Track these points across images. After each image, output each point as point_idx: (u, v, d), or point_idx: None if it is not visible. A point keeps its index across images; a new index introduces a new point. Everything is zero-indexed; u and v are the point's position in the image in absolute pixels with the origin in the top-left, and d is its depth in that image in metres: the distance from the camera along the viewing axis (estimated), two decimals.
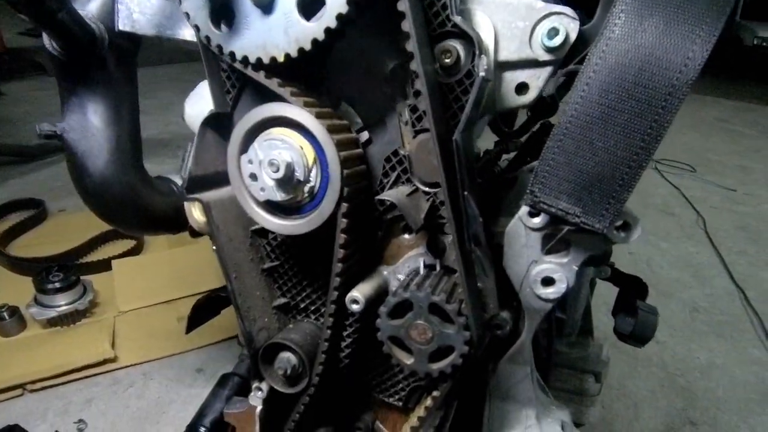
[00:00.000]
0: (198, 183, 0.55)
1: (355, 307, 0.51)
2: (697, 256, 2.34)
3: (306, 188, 0.49)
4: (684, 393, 1.53)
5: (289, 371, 0.57)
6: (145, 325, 1.47)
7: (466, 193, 0.42)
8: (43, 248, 1.72)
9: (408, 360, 0.50)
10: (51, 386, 1.26)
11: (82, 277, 1.46)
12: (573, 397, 0.85)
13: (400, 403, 0.63)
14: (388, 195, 0.47)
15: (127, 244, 1.78)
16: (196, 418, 0.96)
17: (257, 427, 0.62)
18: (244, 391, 0.96)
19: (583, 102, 0.41)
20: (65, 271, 1.39)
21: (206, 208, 0.55)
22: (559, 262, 0.47)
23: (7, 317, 1.34)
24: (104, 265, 1.64)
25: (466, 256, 0.46)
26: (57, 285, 1.35)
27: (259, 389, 0.61)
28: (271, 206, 0.52)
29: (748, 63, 6.25)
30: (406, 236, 0.56)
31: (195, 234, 0.87)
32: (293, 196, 0.50)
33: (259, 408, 0.61)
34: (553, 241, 0.45)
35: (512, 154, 0.87)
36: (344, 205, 0.48)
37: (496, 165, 0.83)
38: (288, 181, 0.48)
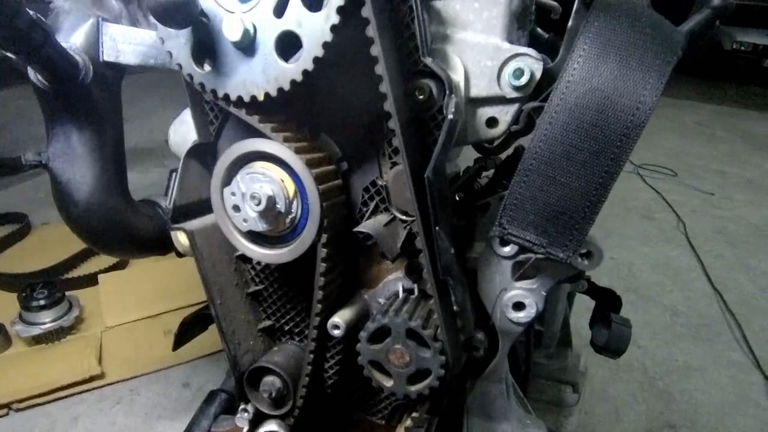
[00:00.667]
0: (182, 212, 0.56)
1: (336, 332, 0.53)
2: (677, 260, 2.41)
3: (287, 219, 0.51)
4: (663, 396, 1.58)
5: (273, 394, 0.59)
6: (132, 339, 1.47)
7: (437, 228, 0.45)
8: (28, 263, 1.70)
9: (387, 383, 0.52)
10: (37, 405, 1.25)
11: (67, 293, 1.46)
12: (551, 408, 0.88)
13: (383, 422, 0.65)
14: (365, 227, 0.49)
15: (113, 258, 1.77)
16: None
17: None
18: (231, 408, 0.97)
19: (546, 140, 0.43)
20: (50, 288, 1.39)
21: (190, 237, 0.57)
22: (528, 288, 0.50)
23: None
24: (90, 280, 1.63)
25: (440, 285, 0.49)
26: (42, 302, 1.34)
27: (246, 411, 0.62)
28: (254, 236, 0.54)
29: (727, 67, 6.42)
30: (386, 260, 0.58)
31: (181, 255, 0.88)
32: (275, 227, 0.52)
33: (245, 429, 0.63)
34: (522, 269, 0.48)
35: (491, 171, 0.89)
36: (324, 236, 0.50)
37: (476, 181, 0.86)
38: (270, 212, 0.50)
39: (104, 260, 1.76)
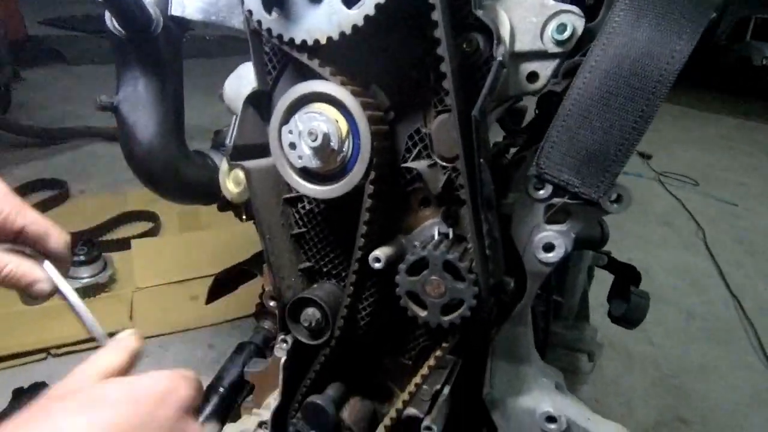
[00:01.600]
0: (240, 152, 0.62)
1: (376, 265, 0.58)
2: (694, 266, 2.40)
3: (339, 157, 0.56)
4: (676, 392, 1.59)
5: (313, 324, 0.64)
6: (161, 301, 1.54)
7: (482, 160, 0.49)
8: (66, 226, 1.78)
9: (422, 313, 0.57)
10: (73, 351, 1.33)
11: (103, 254, 1.54)
12: (566, 375, 0.90)
13: (410, 362, 0.69)
14: (413, 164, 0.54)
15: (144, 226, 1.85)
16: (215, 381, 1.02)
17: (281, 376, 0.68)
18: (259, 358, 1.02)
19: (585, 87, 0.47)
20: (88, 245, 1.47)
21: (246, 174, 0.62)
22: (559, 230, 0.54)
23: None
24: (123, 244, 1.71)
25: (478, 219, 0.53)
26: (81, 258, 1.42)
27: (285, 341, 0.67)
28: (306, 173, 0.59)
29: (755, 82, 6.32)
30: (423, 208, 0.63)
31: (223, 208, 0.94)
32: (327, 165, 0.57)
33: (283, 359, 0.68)
34: (553, 210, 0.51)
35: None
36: (372, 173, 0.55)
37: (505, 156, 0.90)
38: (323, 149, 0.55)
39: (137, 227, 1.85)
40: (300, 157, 0.57)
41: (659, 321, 1.93)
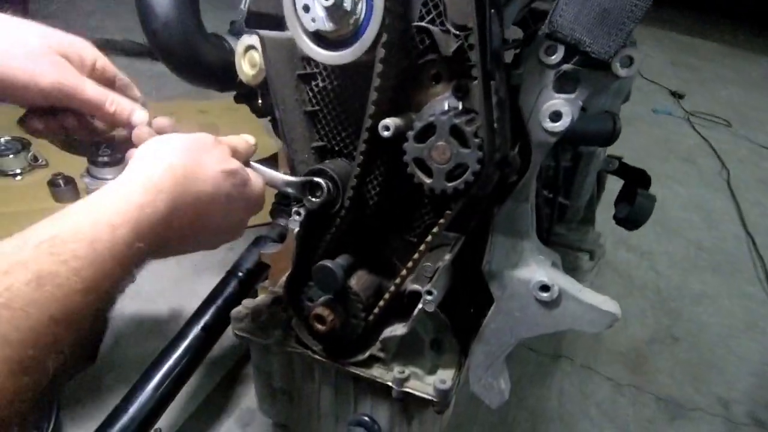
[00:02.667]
0: (255, 19, 0.62)
1: (385, 133, 0.60)
2: (712, 202, 2.37)
3: (351, 20, 0.56)
4: (672, 314, 1.64)
5: (325, 194, 0.67)
6: None
7: (492, 10, 0.49)
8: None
9: (428, 180, 0.59)
10: None
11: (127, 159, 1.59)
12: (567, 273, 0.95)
13: (415, 240, 0.73)
14: (425, 23, 0.54)
15: None
16: (234, 268, 1.10)
17: (295, 246, 0.73)
18: None
19: None
20: (112, 148, 1.51)
21: (261, 42, 0.63)
22: (566, 98, 0.54)
23: (62, 184, 1.48)
24: None
25: (488, 85, 0.54)
26: (106, 159, 1.48)
27: (298, 213, 0.71)
28: (319, 39, 0.59)
29: None
30: (435, 84, 0.63)
31: (238, 98, 0.96)
32: (340, 28, 0.57)
33: (296, 229, 0.72)
34: (562, 74, 0.52)
35: None
36: (384, 36, 0.55)
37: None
38: (337, 10, 0.55)
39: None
40: (313, 20, 0.57)
41: (666, 251, 1.95)
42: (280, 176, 0.68)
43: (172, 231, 0.47)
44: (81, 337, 0.37)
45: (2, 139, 1.60)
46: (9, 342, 0.32)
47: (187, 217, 0.49)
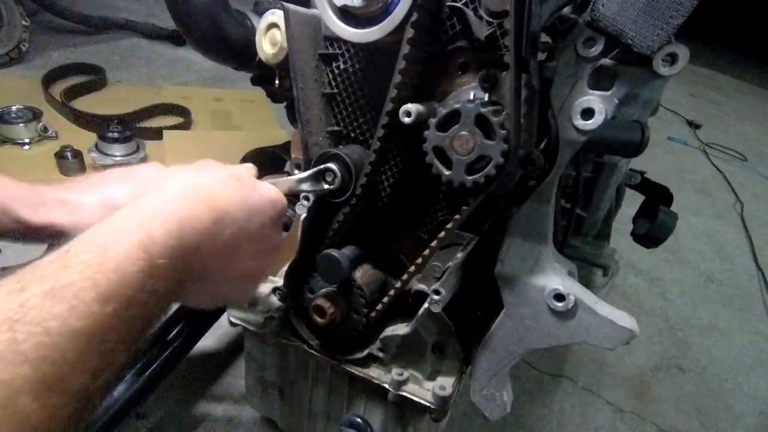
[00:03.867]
0: None
1: (406, 120, 0.57)
2: (724, 235, 2.33)
3: None
4: (679, 344, 1.59)
5: (336, 180, 0.65)
6: None
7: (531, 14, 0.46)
8: (103, 109, 1.84)
9: (447, 171, 0.56)
10: None
11: (136, 138, 1.58)
12: None
13: (426, 236, 0.70)
14: (460, 4, 0.51)
15: (176, 120, 1.88)
16: None
17: (299, 233, 0.70)
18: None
19: None
20: (122, 125, 1.50)
21: (285, 14, 0.60)
22: (602, 95, 0.51)
23: (69, 157, 1.47)
24: (155, 134, 1.75)
25: (520, 66, 0.51)
26: (115, 135, 1.47)
27: (307, 198, 0.69)
28: (346, 15, 0.57)
29: None
30: (462, 74, 0.61)
31: (256, 81, 0.94)
32: (369, 3, 0.55)
33: (303, 215, 0.69)
34: (597, 66, 0.49)
35: None
36: (414, 15, 0.53)
37: None
38: None
39: (169, 119, 1.88)
40: None
41: (677, 280, 1.90)
42: (292, 178, 0.64)
43: (191, 279, 0.42)
44: (109, 354, 0.33)
45: (14, 107, 1.59)
46: (29, 360, 0.28)
47: (211, 266, 0.45)
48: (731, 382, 1.46)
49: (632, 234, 0.88)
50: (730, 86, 5.07)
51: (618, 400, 1.33)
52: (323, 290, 0.72)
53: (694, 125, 3.65)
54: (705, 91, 4.67)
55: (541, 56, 0.63)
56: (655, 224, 0.81)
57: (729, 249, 2.22)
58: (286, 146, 1.07)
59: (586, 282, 0.90)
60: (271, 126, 1.92)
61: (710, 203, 2.63)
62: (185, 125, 1.85)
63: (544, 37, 0.85)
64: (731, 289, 1.93)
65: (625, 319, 0.61)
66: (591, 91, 0.52)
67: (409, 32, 0.54)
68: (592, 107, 0.52)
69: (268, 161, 1.13)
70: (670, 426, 1.29)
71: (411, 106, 0.57)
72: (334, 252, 0.67)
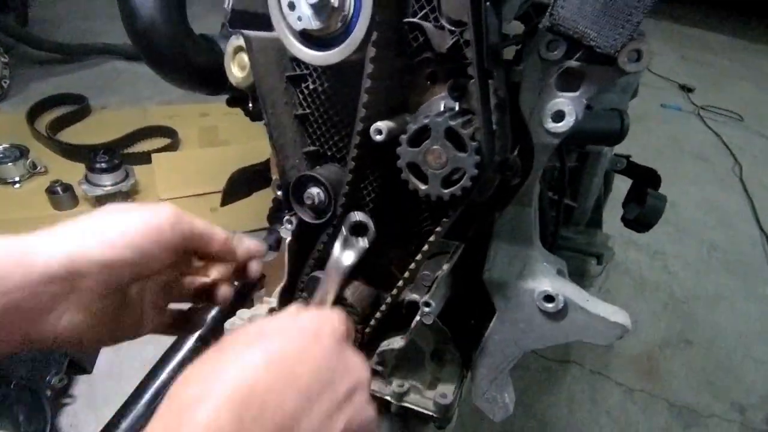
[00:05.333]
0: (239, 18, 0.59)
1: (378, 138, 0.56)
2: (725, 201, 2.31)
3: (340, 17, 0.53)
4: (685, 317, 1.59)
5: (316, 202, 0.64)
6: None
7: (489, 3, 0.45)
8: (89, 139, 1.83)
9: (423, 186, 0.56)
10: None
11: (124, 165, 1.58)
12: (574, 279, 0.91)
13: (413, 247, 0.70)
14: (418, 19, 0.50)
15: (164, 141, 1.88)
16: None
17: (286, 256, 0.70)
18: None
19: None
20: (110, 154, 1.50)
21: (247, 42, 0.60)
22: (570, 97, 0.51)
23: (60, 192, 1.47)
24: (144, 158, 1.75)
25: (485, 83, 0.50)
26: (104, 165, 1.47)
27: (290, 222, 0.68)
28: (306, 38, 0.56)
29: None
30: (431, 85, 0.60)
31: (232, 102, 0.93)
32: (327, 26, 0.54)
33: (288, 239, 0.69)
34: (564, 70, 0.48)
35: None
36: (375, 34, 0.52)
37: None
38: (324, 7, 0.52)
39: (157, 142, 1.87)
40: (299, 18, 0.54)
41: (679, 252, 1.89)
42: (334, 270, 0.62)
43: None
44: None
45: (1, 147, 1.59)
46: None
47: None
48: (740, 352, 1.46)
49: (623, 219, 0.87)
50: (721, 45, 4.99)
51: (628, 379, 1.33)
52: None
53: (686, 89, 3.61)
54: (696, 53, 4.60)
55: (508, 55, 0.62)
56: (644, 209, 0.81)
57: (730, 215, 2.20)
58: (267, 163, 1.07)
59: (581, 272, 0.90)
60: (259, 138, 1.92)
61: (709, 169, 2.60)
62: (173, 146, 1.84)
63: (519, 28, 0.84)
64: (735, 257, 1.92)
65: (618, 315, 0.61)
66: (560, 94, 0.51)
67: (371, 51, 0.53)
68: (562, 110, 0.51)
69: (253, 180, 1.12)
70: (681, 401, 1.29)
71: (381, 125, 0.56)
72: (320, 274, 0.66)
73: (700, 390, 1.33)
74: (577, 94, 0.50)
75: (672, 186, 2.35)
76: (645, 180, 0.85)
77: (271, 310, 0.86)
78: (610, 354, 1.40)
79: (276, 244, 1.12)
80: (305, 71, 0.65)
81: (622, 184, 0.99)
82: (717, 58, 4.55)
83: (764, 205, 2.27)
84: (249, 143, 1.85)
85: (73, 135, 1.93)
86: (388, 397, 0.72)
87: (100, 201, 1.52)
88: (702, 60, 4.44)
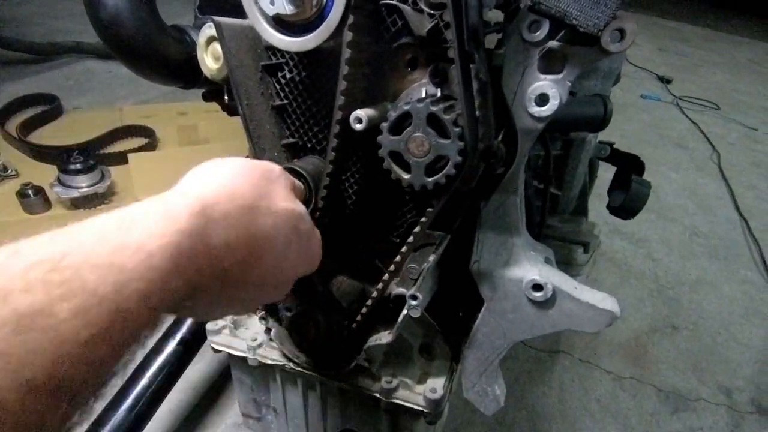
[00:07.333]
0: (209, 2, 0.56)
1: (358, 126, 0.54)
2: (705, 187, 2.35)
3: (314, 1, 0.51)
4: (671, 303, 1.61)
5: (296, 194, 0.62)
6: None
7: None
8: (62, 140, 1.77)
9: (406, 175, 0.54)
10: None
11: (100, 166, 1.52)
12: (560, 267, 0.90)
13: (398, 240, 0.68)
14: (396, 1, 0.49)
15: (141, 141, 1.82)
16: None
17: None
18: None
19: None
20: (85, 155, 1.45)
21: (218, 29, 0.57)
22: (553, 79, 0.49)
23: (31, 195, 1.41)
24: (120, 158, 1.69)
25: (464, 59, 0.48)
26: (78, 166, 1.41)
27: None
28: (280, 23, 0.54)
29: None
30: (411, 71, 0.58)
31: (208, 96, 0.90)
32: (302, 11, 0.51)
33: None
34: (546, 52, 0.47)
35: None
36: (351, 17, 0.50)
37: None
38: None
39: (133, 142, 1.82)
40: (272, 3, 0.51)
41: (662, 238, 1.92)
42: None
43: (215, 274, 0.35)
44: (73, 404, 0.27)
45: None
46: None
47: (236, 259, 0.37)
48: (725, 334, 1.49)
49: (608, 207, 0.87)
50: (698, 36, 5.09)
51: (616, 367, 1.34)
52: (299, 308, 0.70)
53: (665, 80, 3.66)
54: (673, 44, 4.68)
55: (490, 44, 0.61)
56: (629, 195, 0.80)
57: (710, 200, 2.24)
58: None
59: (568, 260, 0.90)
60: (241, 135, 1.88)
61: (688, 157, 2.65)
62: (151, 145, 1.79)
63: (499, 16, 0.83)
64: (716, 241, 1.96)
65: (606, 302, 0.60)
66: (543, 76, 0.50)
67: (348, 36, 0.51)
68: (545, 92, 0.50)
69: None
70: (669, 386, 1.30)
71: (361, 112, 0.54)
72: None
73: (686, 374, 1.35)
74: (560, 76, 0.49)
75: (653, 173, 2.39)
76: (629, 166, 0.85)
77: (262, 319, 0.83)
78: (598, 342, 1.41)
79: None
80: (281, 60, 0.63)
81: (604, 174, 0.99)
82: (693, 48, 4.63)
83: (743, 192, 2.31)
84: (230, 141, 1.81)
85: (44, 136, 1.86)
86: (377, 394, 0.71)
87: (75, 203, 1.46)
88: (679, 51, 4.52)
